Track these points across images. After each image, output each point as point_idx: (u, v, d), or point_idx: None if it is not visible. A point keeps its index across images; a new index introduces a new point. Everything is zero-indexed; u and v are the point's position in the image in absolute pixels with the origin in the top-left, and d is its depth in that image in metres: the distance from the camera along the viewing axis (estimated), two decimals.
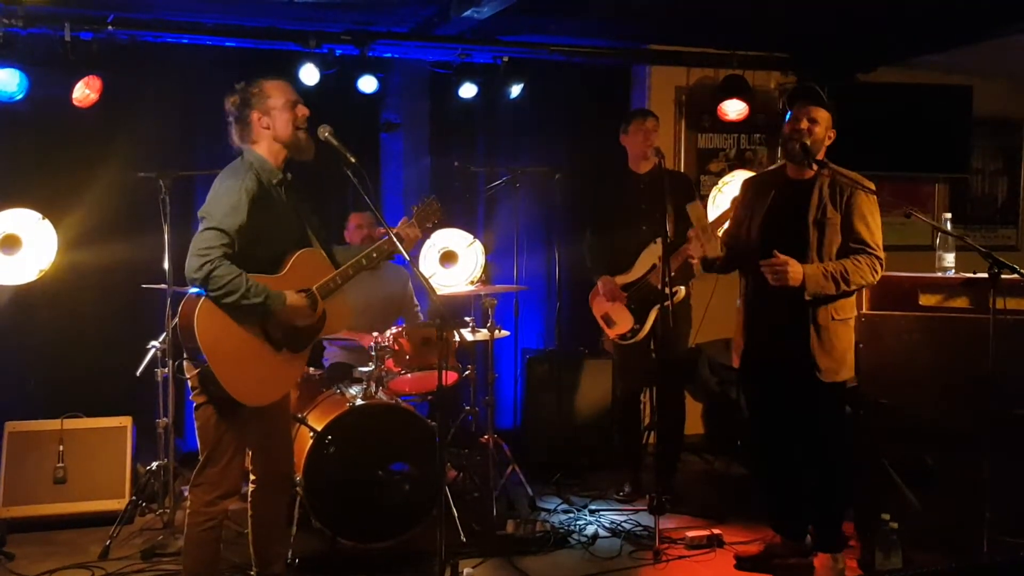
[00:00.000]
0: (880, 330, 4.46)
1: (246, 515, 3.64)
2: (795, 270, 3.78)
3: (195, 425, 3.38)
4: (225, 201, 3.23)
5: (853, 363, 4.03)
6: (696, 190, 5.77)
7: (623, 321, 5.07)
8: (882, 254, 3.92)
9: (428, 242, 5.43)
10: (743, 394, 4.36)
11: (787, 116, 4.02)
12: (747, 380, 4.27)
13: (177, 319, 3.35)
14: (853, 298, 3.99)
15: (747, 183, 4.31)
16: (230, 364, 3.25)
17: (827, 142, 3.99)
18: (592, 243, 5.21)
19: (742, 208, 4.20)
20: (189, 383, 3.37)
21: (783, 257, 3.79)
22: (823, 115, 3.94)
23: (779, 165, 4.22)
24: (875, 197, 3.94)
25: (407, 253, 3.50)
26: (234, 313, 3.23)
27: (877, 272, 3.89)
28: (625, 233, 5.05)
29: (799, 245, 3.88)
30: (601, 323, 5.22)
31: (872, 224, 3.92)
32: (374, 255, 3.55)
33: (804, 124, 3.91)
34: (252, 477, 3.58)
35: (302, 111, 3.42)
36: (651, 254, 4.97)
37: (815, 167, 3.93)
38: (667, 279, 4.32)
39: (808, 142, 3.90)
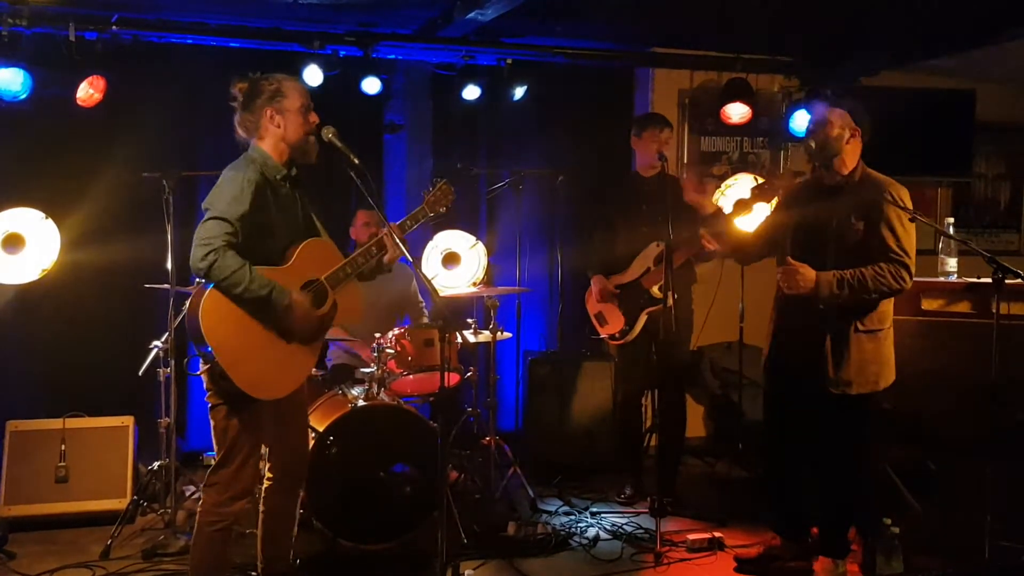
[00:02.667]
0: None
1: (250, 515, 3.64)
2: (806, 276, 3.75)
3: (211, 425, 3.36)
4: (228, 191, 3.22)
5: (879, 378, 3.90)
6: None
7: (614, 321, 5.10)
8: (909, 260, 3.79)
9: (431, 243, 5.44)
10: (764, 396, 4.30)
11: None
12: (768, 383, 4.22)
13: (185, 313, 3.34)
14: (887, 309, 3.89)
15: (788, 188, 4.23)
16: (238, 357, 3.23)
17: (848, 141, 3.89)
18: (595, 243, 5.23)
19: (776, 210, 4.17)
20: (204, 383, 3.36)
21: (795, 263, 3.76)
22: (836, 115, 3.89)
23: (814, 172, 4.17)
24: (905, 200, 3.81)
25: (409, 250, 3.48)
26: (241, 305, 3.22)
27: (903, 279, 3.77)
28: (626, 235, 5.06)
29: (820, 251, 3.85)
30: (594, 322, 5.26)
31: (899, 230, 3.80)
32: (384, 243, 3.53)
33: (813, 127, 3.91)
34: (268, 474, 3.57)
35: (314, 118, 3.42)
36: (646, 257, 4.99)
37: (838, 173, 3.90)
38: (668, 282, 4.33)
39: (812, 144, 3.89)
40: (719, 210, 4.09)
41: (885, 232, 3.81)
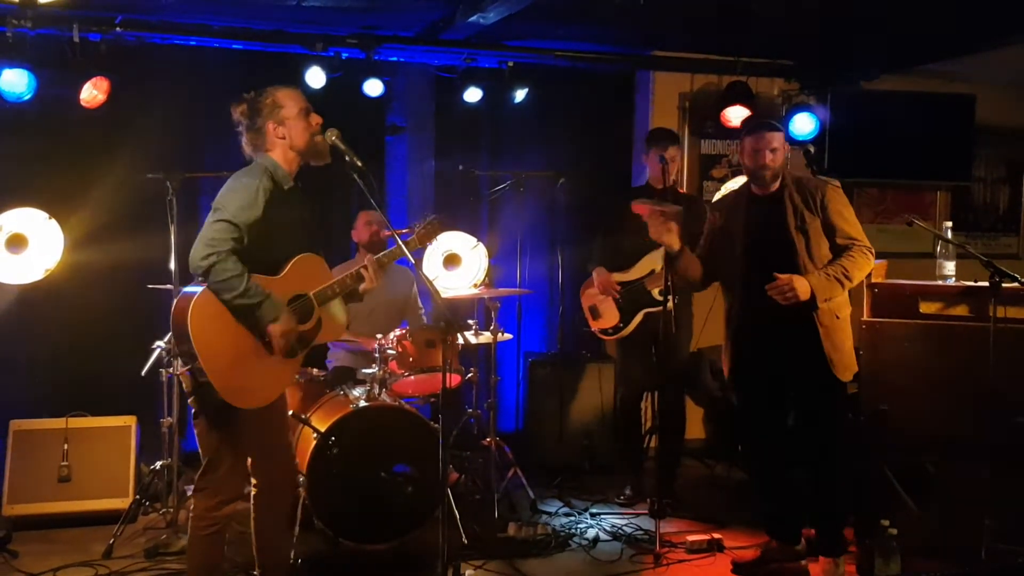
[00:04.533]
0: (880, 337, 4.48)
1: (250, 515, 3.65)
2: (802, 287, 3.83)
3: (195, 432, 3.36)
4: (242, 196, 3.22)
5: (855, 362, 4.08)
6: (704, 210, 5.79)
7: (609, 316, 5.13)
8: (868, 242, 4.00)
9: (432, 245, 5.44)
10: (737, 401, 4.36)
11: (745, 144, 4.11)
12: (743, 388, 4.27)
13: (171, 318, 3.33)
14: (845, 295, 4.05)
15: (714, 207, 4.44)
16: (221, 364, 3.20)
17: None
18: (600, 243, 5.26)
19: (714, 231, 4.27)
20: (184, 388, 3.35)
21: (785, 276, 3.84)
22: (779, 139, 4.06)
23: (741, 186, 4.31)
24: (841, 189, 4.07)
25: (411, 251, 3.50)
26: (230, 310, 3.22)
27: (870, 259, 3.98)
28: (631, 240, 5.07)
29: (788, 255, 3.95)
30: (587, 314, 5.28)
31: (850, 217, 4.03)
32: (384, 261, 3.55)
33: (767, 157, 4.02)
34: (254, 482, 3.52)
35: (316, 119, 3.43)
36: (652, 259, 5.01)
37: (773, 184, 4.07)
38: (668, 286, 4.36)
39: (776, 166, 4.04)
40: (683, 248, 4.14)
41: (839, 222, 3.99)
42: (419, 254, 5.34)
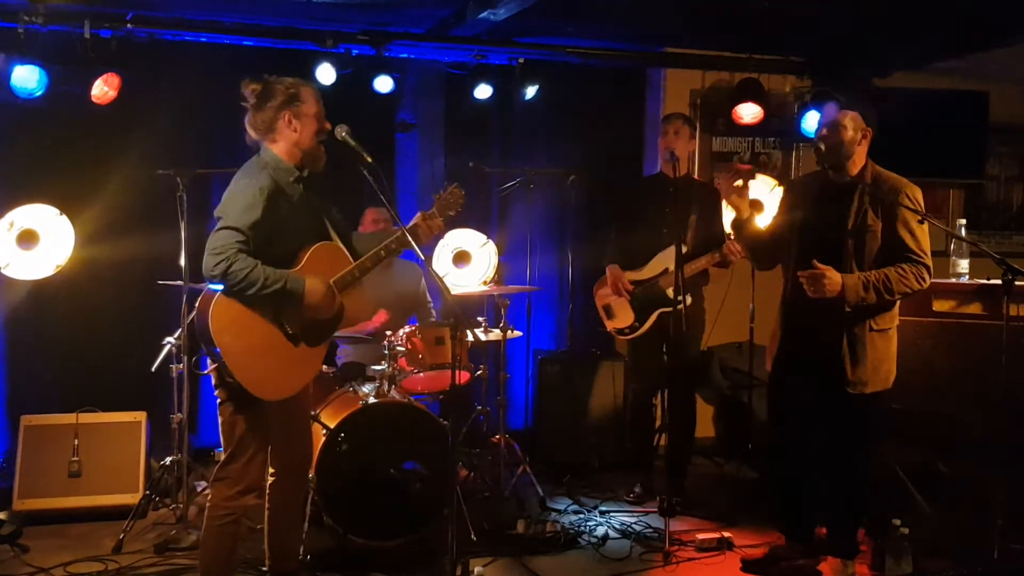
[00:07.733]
0: None
1: (260, 511, 3.67)
2: (833, 280, 3.72)
3: (219, 421, 3.40)
4: (240, 200, 3.25)
5: (889, 375, 3.92)
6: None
7: (623, 316, 5.11)
8: (929, 261, 3.82)
9: (442, 242, 5.45)
10: (768, 395, 4.28)
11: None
12: (774, 383, 4.20)
13: (194, 315, 3.37)
14: (895, 309, 3.91)
15: (790, 183, 4.32)
16: (245, 359, 3.27)
17: (860, 143, 3.92)
18: (612, 238, 5.24)
19: (783, 210, 4.19)
20: (212, 380, 3.39)
21: (822, 267, 3.74)
22: (849, 119, 3.90)
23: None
24: (920, 195, 3.85)
25: (420, 248, 3.49)
26: (252, 306, 3.25)
27: (924, 280, 3.79)
28: (646, 233, 5.06)
29: (837, 252, 3.83)
30: (601, 312, 5.26)
31: (916, 230, 3.83)
32: (393, 246, 3.56)
33: (824, 131, 3.92)
34: (271, 470, 3.59)
35: (326, 125, 3.44)
36: (666, 257, 4.98)
37: (848, 174, 3.91)
38: (679, 283, 4.34)
39: (823, 147, 3.91)
40: (751, 216, 4.09)
41: (903, 232, 3.82)
42: (429, 251, 5.35)
